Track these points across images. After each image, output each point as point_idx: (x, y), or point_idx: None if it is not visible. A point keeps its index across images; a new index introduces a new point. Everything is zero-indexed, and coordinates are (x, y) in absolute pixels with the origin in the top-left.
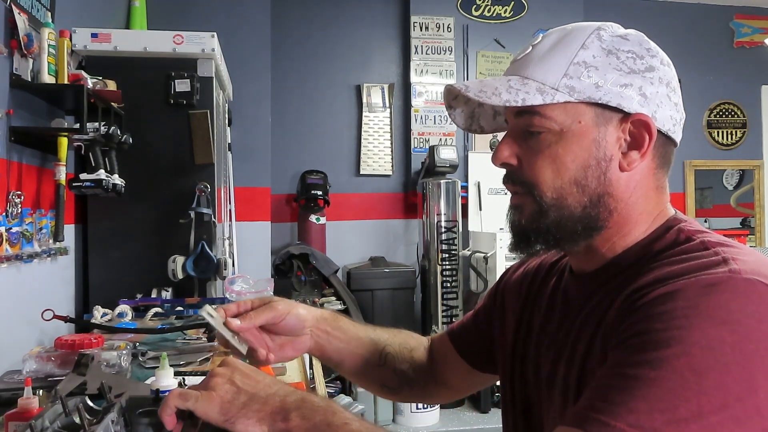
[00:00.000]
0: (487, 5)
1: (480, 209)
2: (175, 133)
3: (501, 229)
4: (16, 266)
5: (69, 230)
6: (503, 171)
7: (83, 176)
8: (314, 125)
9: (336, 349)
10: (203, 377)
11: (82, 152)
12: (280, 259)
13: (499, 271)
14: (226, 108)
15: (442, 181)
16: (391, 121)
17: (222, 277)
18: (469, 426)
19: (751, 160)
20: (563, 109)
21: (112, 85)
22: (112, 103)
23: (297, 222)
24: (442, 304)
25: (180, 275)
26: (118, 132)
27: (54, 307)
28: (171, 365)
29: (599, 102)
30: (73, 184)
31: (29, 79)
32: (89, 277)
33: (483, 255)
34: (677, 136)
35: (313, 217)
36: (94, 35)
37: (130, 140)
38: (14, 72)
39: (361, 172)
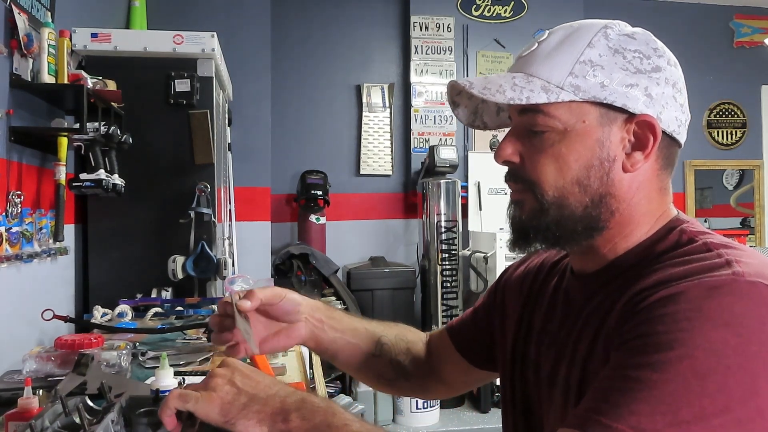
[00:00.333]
0: (487, 5)
1: (480, 209)
2: (175, 133)
3: (501, 229)
4: (16, 266)
5: (69, 230)
6: (503, 171)
7: (83, 176)
8: (314, 125)
9: (331, 338)
10: (203, 377)
11: (82, 152)
12: (280, 259)
13: (499, 271)
14: (226, 108)
15: (442, 181)
16: (391, 121)
17: (222, 277)
18: (469, 426)
19: (751, 160)
20: (567, 108)
21: (112, 85)
22: (112, 103)
23: (297, 222)
24: (442, 304)
25: (180, 275)
26: (118, 132)
27: (54, 307)
28: (171, 365)
29: (604, 102)
30: (73, 184)
31: (29, 79)
32: (89, 277)
33: (483, 255)
34: (682, 138)
35: (313, 217)
36: (94, 35)
37: (130, 140)
38: (14, 72)
39: (361, 172)
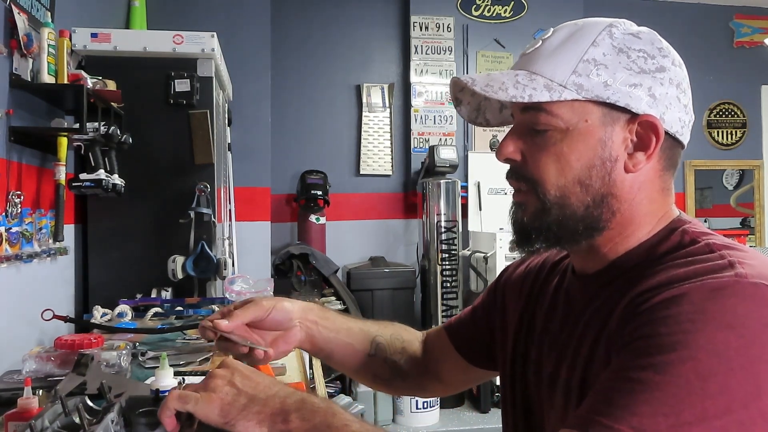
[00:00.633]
0: (487, 5)
1: (480, 209)
2: (175, 133)
3: (501, 229)
4: (15, 266)
5: (69, 230)
6: (503, 171)
7: (83, 176)
8: (314, 125)
9: (325, 339)
10: (203, 377)
11: (82, 152)
12: (280, 259)
13: (499, 271)
14: (226, 108)
15: (442, 181)
16: (391, 121)
17: (222, 277)
18: (469, 426)
19: (751, 160)
20: (570, 106)
21: (111, 85)
22: (112, 103)
23: (297, 222)
24: (442, 304)
25: (180, 275)
26: (118, 132)
27: (54, 307)
28: (171, 365)
29: (607, 101)
30: (73, 184)
31: (29, 79)
32: (89, 277)
33: (483, 255)
34: (685, 139)
35: (313, 217)
36: (93, 35)
37: (130, 140)
38: (14, 72)
39: (361, 172)
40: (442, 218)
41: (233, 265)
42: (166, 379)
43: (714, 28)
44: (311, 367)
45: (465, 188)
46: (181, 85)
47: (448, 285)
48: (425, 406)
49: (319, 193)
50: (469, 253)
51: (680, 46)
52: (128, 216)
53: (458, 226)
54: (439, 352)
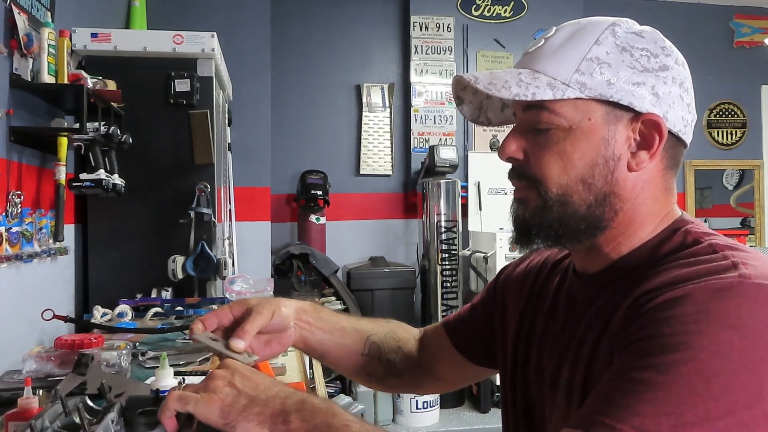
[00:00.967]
0: (487, 5)
1: (480, 209)
2: (175, 133)
3: (501, 229)
4: (16, 266)
5: (69, 230)
6: (504, 171)
7: (83, 176)
8: (314, 125)
9: (319, 339)
10: (203, 377)
11: (82, 152)
12: (280, 259)
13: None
14: (226, 108)
15: (442, 181)
16: (391, 121)
17: (222, 277)
18: (469, 426)
19: (751, 160)
20: (573, 105)
21: (112, 85)
22: (112, 103)
23: (297, 222)
24: (442, 304)
25: (180, 275)
26: (118, 132)
27: (54, 307)
28: (171, 365)
29: (610, 100)
30: (73, 184)
31: (29, 79)
32: (89, 277)
33: (483, 255)
34: (688, 138)
35: (313, 217)
36: (93, 35)
37: (130, 140)
38: (14, 72)
39: (361, 172)
40: (442, 218)
41: (233, 265)
42: (166, 379)
43: (714, 28)
44: (311, 367)
45: (465, 188)
46: (181, 85)
47: (448, 285)
48: (425, 406)
49: (319, 193)
50: (469, 253)
51: (680, 46)
52: (128, 216)
53: (458, 226)
54: (436, 349)
